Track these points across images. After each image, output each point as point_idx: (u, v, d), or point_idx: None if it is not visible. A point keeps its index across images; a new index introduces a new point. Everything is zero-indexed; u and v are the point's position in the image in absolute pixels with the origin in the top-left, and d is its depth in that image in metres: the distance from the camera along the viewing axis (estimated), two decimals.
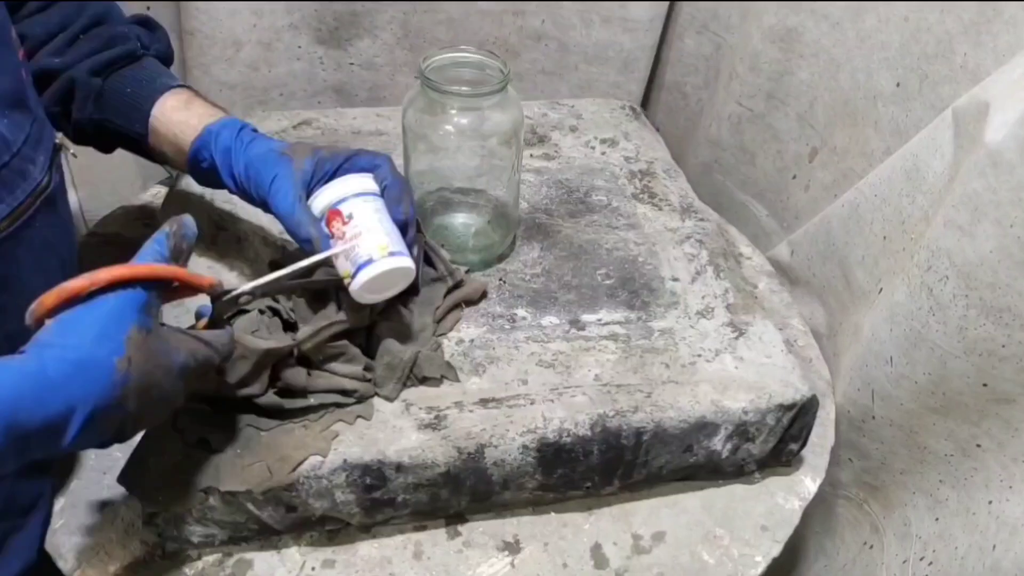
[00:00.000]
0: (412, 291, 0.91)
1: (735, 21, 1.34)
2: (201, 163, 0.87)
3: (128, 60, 0.91)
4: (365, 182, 0.83)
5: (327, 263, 0.81)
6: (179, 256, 0.67)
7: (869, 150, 1.08)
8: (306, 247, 0.80)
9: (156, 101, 0.89)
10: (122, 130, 0.90)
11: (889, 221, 0.98)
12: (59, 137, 0.76)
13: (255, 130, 0.88)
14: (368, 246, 0.79)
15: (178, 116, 0.88)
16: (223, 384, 0.77)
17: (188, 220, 0.69)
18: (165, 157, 0.91)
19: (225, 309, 0.74)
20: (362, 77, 1.47)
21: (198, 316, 0.74)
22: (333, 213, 0.81)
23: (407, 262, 0.81)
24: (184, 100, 0.90)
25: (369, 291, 0.80)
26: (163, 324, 0.65)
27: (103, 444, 0.62)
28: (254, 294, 0.75)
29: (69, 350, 0.57)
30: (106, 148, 0.95)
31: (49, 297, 0.58)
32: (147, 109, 0.89)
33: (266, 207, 0.83)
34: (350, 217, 0.80)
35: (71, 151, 0.78)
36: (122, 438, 0.62)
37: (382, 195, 0.84)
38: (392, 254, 0.79)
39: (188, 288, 0.67)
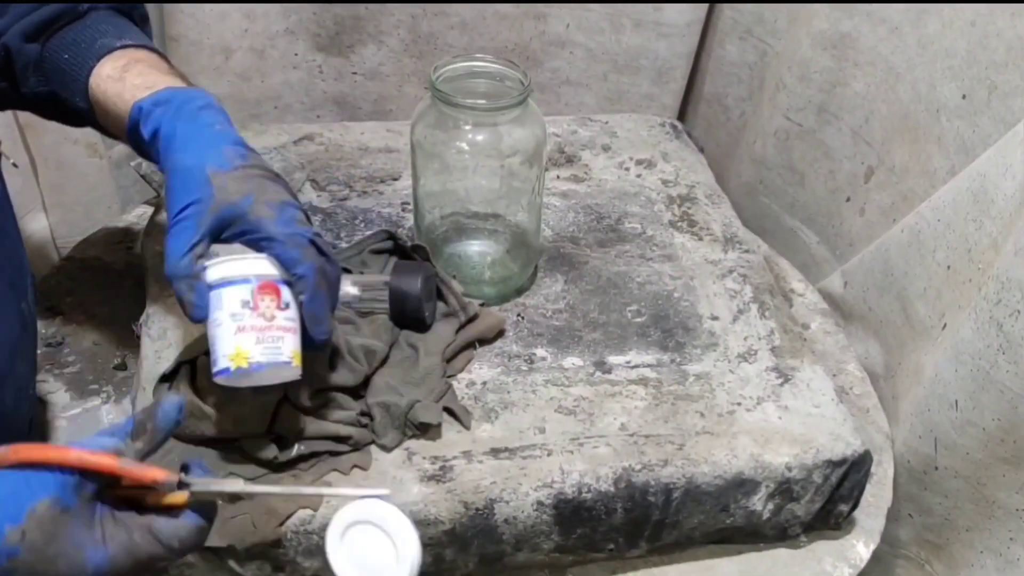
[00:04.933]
0: (416, 326, 0.92)
1: (782, 26, 1.35)
2: (141, 146, 0.81)
3: (69, 18, 0.85)
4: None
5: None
6: (141, 439, 0.64)
7: (931, 169, 1.08)
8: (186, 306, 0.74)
9: (93, 68, 0.82)
10: (66, 101, 0.84)
11: (954, 249, 0.98)
12: None
13: (203, 108, 0.79)
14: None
15: (113, 88, 0.81)
16: (222, 426, 0.78)
17: (168, 407, 0.65)
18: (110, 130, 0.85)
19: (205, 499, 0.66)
20: (366, 88, 1.48)
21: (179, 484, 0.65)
22: (269, 287, 0.75)
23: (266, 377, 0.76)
24: (121, 66, 0.82)
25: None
26: (109, 508, 0.62)
27: None
28: (226, 497, 0.68)
29: None
30: (75, 123, 0.90)
31: None
32: (83, 79, 0.82)
33: None
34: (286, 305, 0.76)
35: (10, 161, 0.77)
36: None
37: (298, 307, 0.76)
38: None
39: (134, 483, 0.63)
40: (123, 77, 0.81)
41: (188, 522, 0.64)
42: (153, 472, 0.62)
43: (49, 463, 0.59)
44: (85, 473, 0.59)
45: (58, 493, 0.58)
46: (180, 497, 0.64)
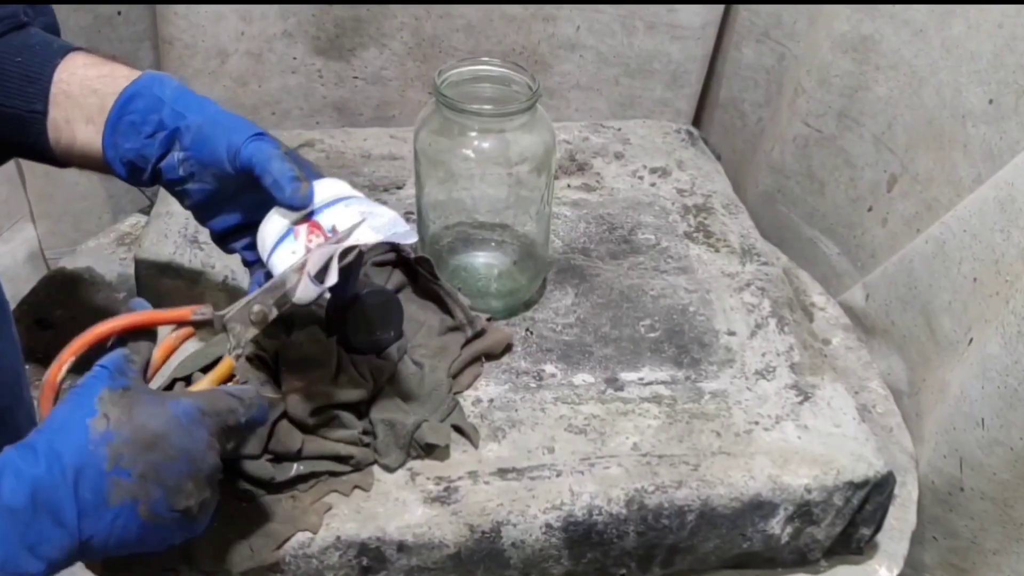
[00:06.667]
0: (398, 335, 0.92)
1: (801, 28, 1.36)
2: (129, 114, 0.80)
3: (11, 25, 0.84)
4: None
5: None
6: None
7: (957, 177, 1.08)
8: (288, 200, 0.77)
9: (59, 64, 0.82)
10: (11, 112, 0.82)
11: (980, 260, 0.98)
12: None
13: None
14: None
15: (98, 71, 0.82)
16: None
17: (137, 302, 0.73)
18: (70, 141, 0.82)
19: (241, 333, 0.74)
20: (367, 93, 1.49)
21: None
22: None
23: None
24: (101, 59, 0.83)
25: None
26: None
27: (147, 532, 0.65)
28: (266, 306, 0.74)
29: (42, 432, 0.63)
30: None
31: (39, 399, 0.68)
32: (47, 76, 0.81)
33: (209, 176, 0.80)
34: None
35: None
36: (184, 520, 0.67)
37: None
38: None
39: (173, 326, 0.72)
40: (110, 63, 0.83)
41: (247, 387, 0.73)
42: (188, 308, 0.72)
43: (100, 337, 0.69)
44: (116, 355, 0.68)
45: (110, 380, 0.65)
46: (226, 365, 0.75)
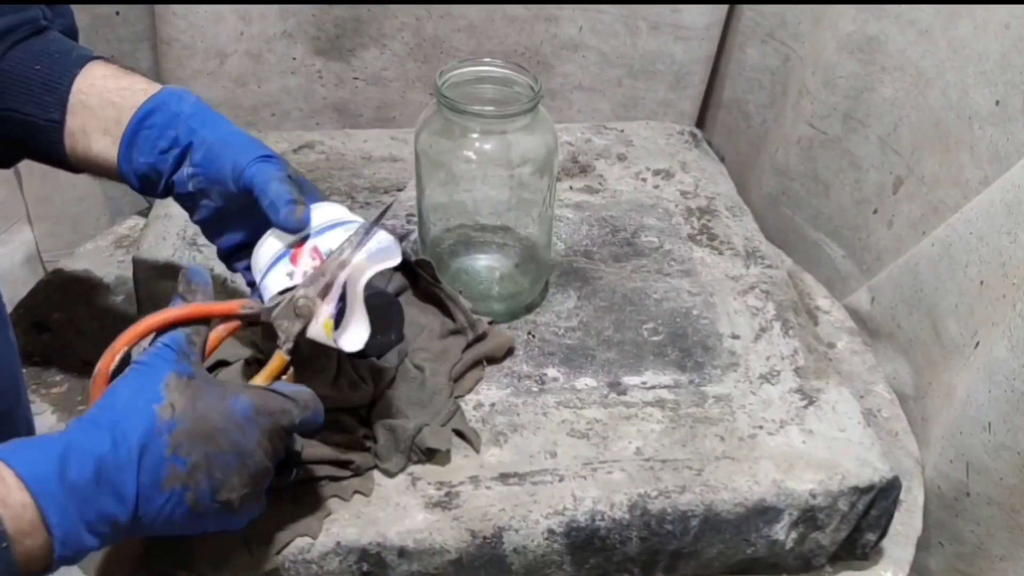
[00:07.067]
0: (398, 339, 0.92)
1: (806, 28, 1.36)
2: (146, 129, 0.81)
3: (31, 30, 0.85)
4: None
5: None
6: (194, 298, 0.73)
7: (963, 179, 1.08)
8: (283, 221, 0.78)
9: (77, 74, 0.83)
10: (28, 119, 0.83)
11: (987, 263, 0.98)
12: None
13: None
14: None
15: (116, 83, 0.83)
16: None
17: (194, 268, 0.75)
18: (86, 151, 0.84)
19: (288, 327, 0.76)
20: (368, 94, 1.49)
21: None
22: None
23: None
24: (120, 70, 0.85)
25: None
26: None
27: (193, 519, 0.67)
28: (309, 297, 0.76)
29: (105, 410, 0.66)
30: (1, 156, 0.91)
31: (90, 387, 0.69)
32: (65, 86, 0.83)
33: (218, 192, 0.82)
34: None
35: None
36: (223, 512, 0.69)
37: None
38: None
39: (222, 320, 0.75)
40: (130, 75, 0.84)
41: (302, 389, 0.74)
42: (236, 301, 0.75)
43: (155, 328, 0.70)
44: (176, 339, 0.70)
45: (175, 366, 0.68)
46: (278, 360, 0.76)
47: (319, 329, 0.76)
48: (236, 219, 0.84)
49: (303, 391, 0.73)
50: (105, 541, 0.64)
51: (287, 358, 0.76)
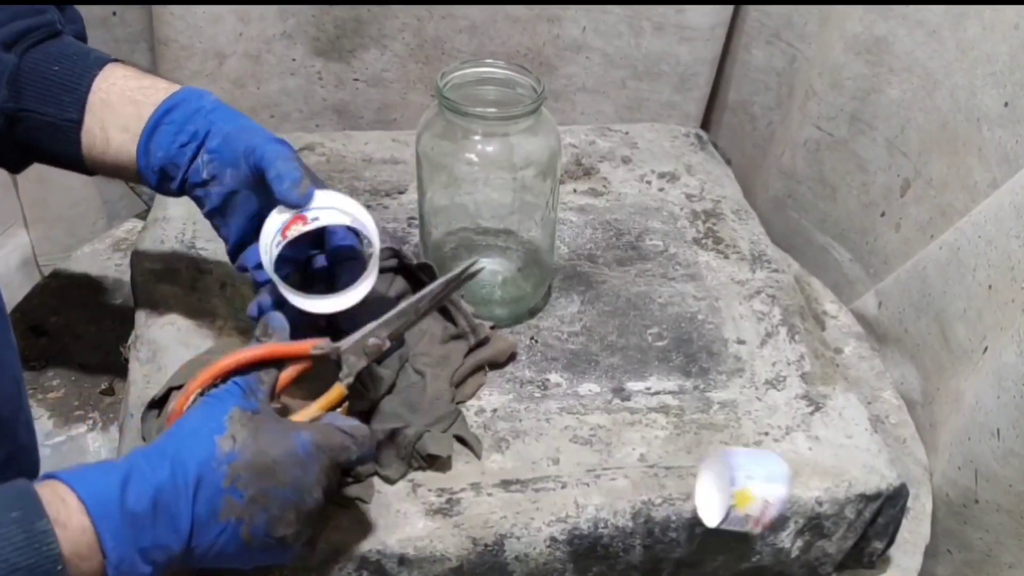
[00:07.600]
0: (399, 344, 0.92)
1: (812, 29, 1.36)
2: (166, 124, 0.83)
3: (46, 33, 0.87)
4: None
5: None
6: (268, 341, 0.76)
7: (972, 182, 1.08)
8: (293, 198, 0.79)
9: (97, 75, 0.85)
10: (46, 119, 0.85)
11: (995, 267, 0.98)
12: None
13: None
14: None
15: (138, 83, 0.86)
16: None
17: (274, 314, 0.78)
18: (104, 148, 0.85)
19: (354, 362, 0.80)
20: (368, 96, 1.49)
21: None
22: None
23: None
24: (140, 71, 0.88)
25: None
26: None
27: (242, 552, 0.68)
28: (380, 339, 0.80)
29: (170, 439, 0.68)
30: (13, 161, 0.91)
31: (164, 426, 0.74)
32: (84, 86, 0.85)
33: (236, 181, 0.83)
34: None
35: None
36: (276, 547, 0.70)
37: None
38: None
39: (295, 361, 0.77)
40: (149, 76, 0.87)
41: (359, 424, 0.75)
42: (310, 342, 0.77)
43: (228, 370, 0.73)
44: (248, 378, 0.72)
45: (240, 401, 0.70)
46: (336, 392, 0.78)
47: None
48: (245, 205, 0.84)
49: (360, 427, 0.74)
50: (157, 569, 0.64)
51: (346, 391, 0.79)
